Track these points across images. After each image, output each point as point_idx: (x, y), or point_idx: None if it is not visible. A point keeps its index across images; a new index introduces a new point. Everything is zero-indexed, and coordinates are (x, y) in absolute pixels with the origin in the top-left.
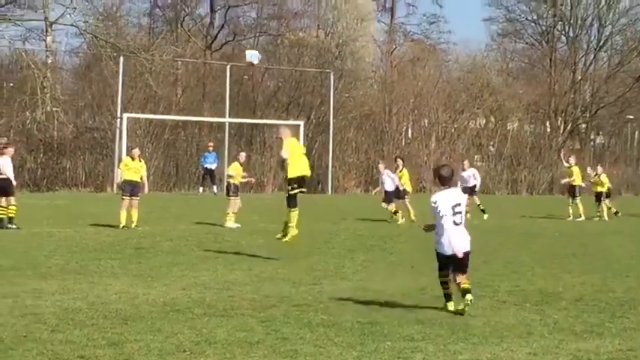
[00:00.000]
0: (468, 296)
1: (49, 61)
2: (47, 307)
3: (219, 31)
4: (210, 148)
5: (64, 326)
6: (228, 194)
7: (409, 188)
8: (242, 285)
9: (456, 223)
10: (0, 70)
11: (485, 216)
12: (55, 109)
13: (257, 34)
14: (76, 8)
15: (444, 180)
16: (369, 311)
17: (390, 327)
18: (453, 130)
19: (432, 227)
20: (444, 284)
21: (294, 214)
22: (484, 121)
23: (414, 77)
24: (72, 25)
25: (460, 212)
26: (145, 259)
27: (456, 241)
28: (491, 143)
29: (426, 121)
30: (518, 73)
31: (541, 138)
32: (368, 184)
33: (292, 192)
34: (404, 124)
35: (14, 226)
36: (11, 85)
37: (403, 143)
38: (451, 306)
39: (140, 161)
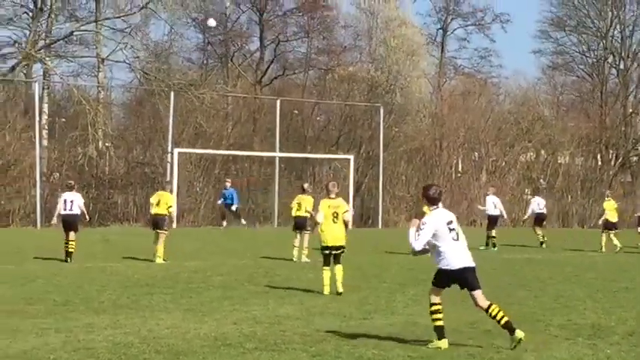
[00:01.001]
0: (519, 334)
1: (101, 97)
2: (100, 342)
3: (269, 66)
4: (228, 184)
5: None
6: (303, 229)
7: None
8: (293, 319)
9: (454, 240)
10: (52, 105)
11: (495, 249)
12: (106, 144)
13: (306, 69)
14: (127, 44)
15: (433, 200)
16: (420, 346)
17: None
18: (503, 164)
19: (424, 251)
20: (436, 313)
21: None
22: (535, 155)
23: (464, 111)
24: (123, 61)
25: (454, 229)
26: (196, 293)
27: (461, 254)
28: (542, 176)
29: (477, 154)
30: (569, 105)
31: (592, 171)
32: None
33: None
34: (454, 157)
35: (70, 261)
36: (63, 120)
37: (453, 177)
38: (443, 344)
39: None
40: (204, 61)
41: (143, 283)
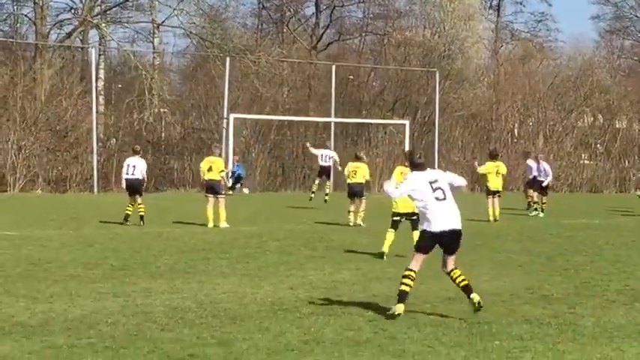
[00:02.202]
0: (475, 297)
1: (157, 63)
2: (157, 307)
3: (324, 31)
4: (236, 161)
5: (174, 325)
6: (358, 196)
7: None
8: (349, 284)
9: (438, 199)
10: (108, 72)
11: (541, 214)
12: (162, 110)
13: (363, 34)
14: (182, 10)
15: (418, 165)
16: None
17: (497, 326)
18: (560, 129)
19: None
20: (406, 278)
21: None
22: (592, 120)
23: (521, 76)
24: (179, 27)
25: (440, 188)
26: (252, 258)
27: (445, 215)
28: (599, 142)
29: (533, 119)
30: (627, 70)
31: None
32: (474, 183)
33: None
34: (511, 122)
35: (143, 224)
36: (119, 86)
37: (510, 142)
38: (399, 309)
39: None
40: (259, 27)
41: (199, 248)
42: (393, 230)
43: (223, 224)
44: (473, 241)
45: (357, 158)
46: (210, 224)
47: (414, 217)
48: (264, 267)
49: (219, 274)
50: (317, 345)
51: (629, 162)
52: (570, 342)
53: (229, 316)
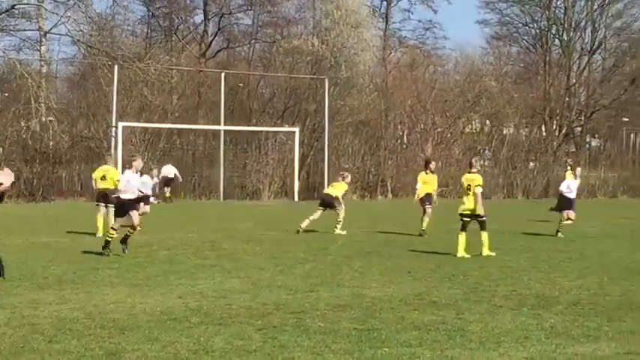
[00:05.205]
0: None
1: (44, 71)
2: (45, 318)
3: (213, 39)
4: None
5: (62, 336)
6: (332, 206)
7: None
8: (239, 293)
9: None
10: None
11: (559, 234)
12: (49, 118)
13: (251, 41)
14: (70, 17)
15: None
16: (366, 318)
17: (387, 333)
18: (449, 135)
19: None
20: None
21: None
22: (480, 126)
23: (409, 83)
24: (66, 35)
25: None
26: (142, 268)
27: None
28: (487, 148)
29: (422, 126)
30: (513, 77)
31: (537, 142)
32: (364, 191)
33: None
34: (400, 129)
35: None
36: (6, 95)
37: (399, 149)
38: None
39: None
40: (149, 34)
41: (89, 258)
42: (462, 232)
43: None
44: (363, 248)
45: (342, 178)
46: (100, 234)
47: (481, 219)
48: (154, 276)
49: (108, 284)
50: (206, 354)
51: (516, 168)
52: (458, 348)
53: (118, 327)
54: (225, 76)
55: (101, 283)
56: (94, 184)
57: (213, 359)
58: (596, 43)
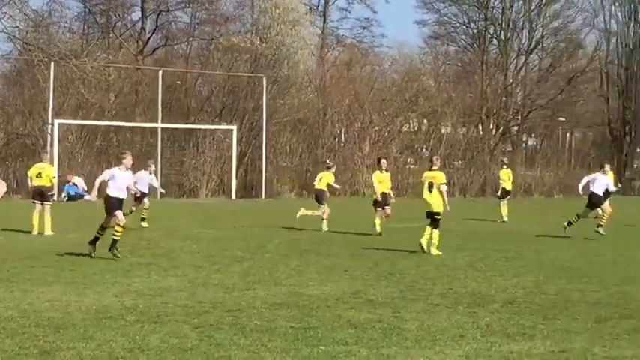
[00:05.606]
0: None
1: None
2: None
3: (150, 36)
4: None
5: None
6: (322, 202)
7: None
8: (175, 291)
9: None
10: None
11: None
12: None
13: (189, 39)
14: (6, 14)
15: None
16: (303, 316)
17: (323, 331)
18: (386, 134)
19: None
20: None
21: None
22: (418, 125)
23: (347, 81)
24: (2, 31)
25: None
26: (77, 266)
27: None
28: (425, 147)
29: (359, 124)
30: (451, 76)
31: (474, 141)
32: (302, 189)
33: None
34: (338, 128)
35: None
36: None
37: (337, 148)
38: None
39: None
40: (85, 31)
41: (24, 256)
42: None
43: (48, 232)
44: (300, 246)
45: (327, 168)
46: (35, 231)
47: (437, 217)
48: (90, 274)
49: (44, 282)
50: (142, 353)
51: (452, 167)
52: (394, 346)
53: (53, 325)
54: (162, 74)
55: (36, 281)
56: (29, 182)
57: (148, 358)
58: (533, 44)
